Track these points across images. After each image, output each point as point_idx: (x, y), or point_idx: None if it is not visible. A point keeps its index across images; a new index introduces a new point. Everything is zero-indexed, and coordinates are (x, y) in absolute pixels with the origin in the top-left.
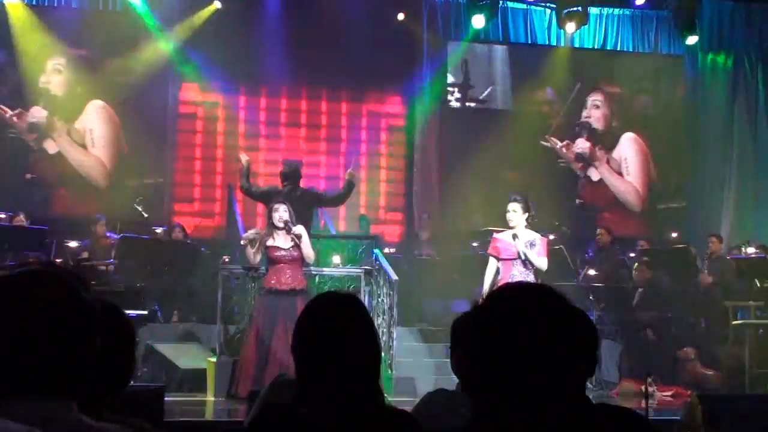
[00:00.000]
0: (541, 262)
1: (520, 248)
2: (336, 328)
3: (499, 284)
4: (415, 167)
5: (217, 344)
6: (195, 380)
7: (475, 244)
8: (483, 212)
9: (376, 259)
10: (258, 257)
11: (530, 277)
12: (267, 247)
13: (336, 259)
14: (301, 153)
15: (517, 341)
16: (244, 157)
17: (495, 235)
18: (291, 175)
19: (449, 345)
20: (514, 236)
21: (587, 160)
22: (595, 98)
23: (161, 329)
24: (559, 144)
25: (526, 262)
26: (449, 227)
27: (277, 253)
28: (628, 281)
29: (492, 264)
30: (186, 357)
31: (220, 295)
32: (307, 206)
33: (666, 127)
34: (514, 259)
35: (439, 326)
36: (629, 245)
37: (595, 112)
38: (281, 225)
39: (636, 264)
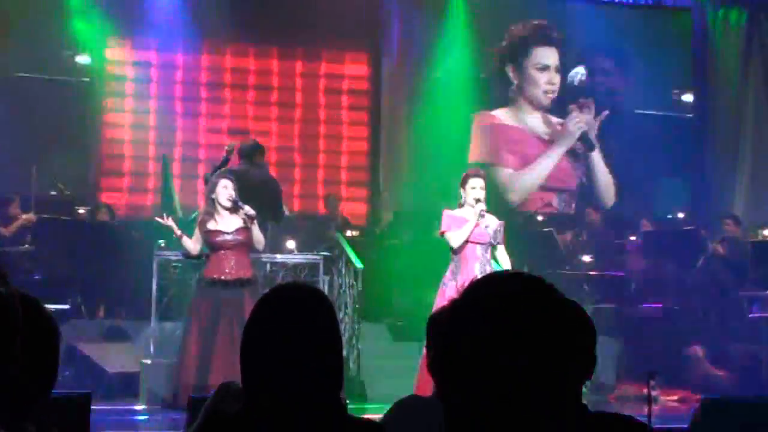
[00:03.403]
0: (507, 261)
1: (491, 234)
2: (294, 328)
3: (465, 271)
4: (382, 137)
5: (151, 344)
6: (125, 386)
7: None
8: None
9: (338, 243)
10: (198, 245)
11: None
12: (207, 231)
13: (290, 243)
14: (248, 120)
15: (502, 339)
16: (229, 146)
17: (449, 211)
18: (249, 152)
19: (424, 343)
20: (479, 215)
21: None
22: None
23: (85, 326)
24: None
25: (489, 251)
26: (422, 206)
27: (220, 238)
28: (627, 269)
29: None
30: (114, 359)
31: (154, 286)
32: (267, 195)
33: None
34: (483, 243)
35: (411, 321)
36: (628, 226)
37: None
38: (227, 203)
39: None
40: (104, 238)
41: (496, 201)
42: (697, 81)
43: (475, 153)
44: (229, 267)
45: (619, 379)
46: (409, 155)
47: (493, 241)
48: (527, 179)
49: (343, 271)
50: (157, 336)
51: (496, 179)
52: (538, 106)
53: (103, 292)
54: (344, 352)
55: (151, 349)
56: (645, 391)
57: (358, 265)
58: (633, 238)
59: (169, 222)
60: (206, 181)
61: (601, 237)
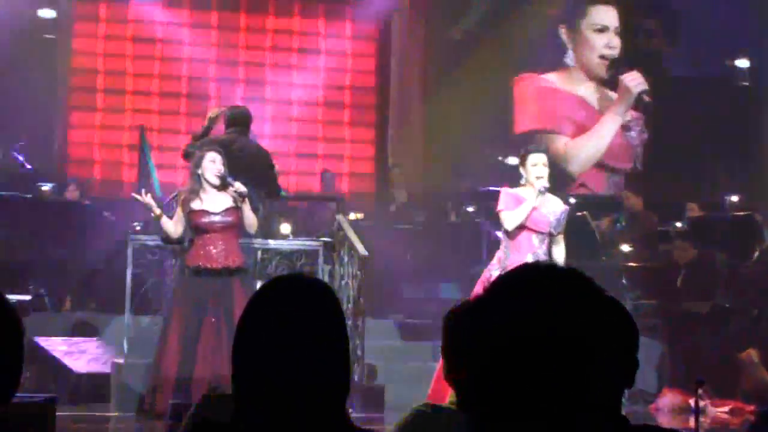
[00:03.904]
0: (562, 256)
1: (552, 223)
2: (296, 326)
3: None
4: (391, 105)
5: (125, 341)
6: (95, 389)
7: (470, 209)
8: (483, 166)
9: (339, 227)
10: (180, 228)
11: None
12: (191, 212)
13: (285, 227)
14: (237, 84)
15: (532, 341)
16: (213, 112)
17: (509, 190)
18: (239, 119)
19: (439, 344)
20: (539, 191)
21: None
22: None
23: (49, 320)
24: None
25: (547, 242)
26: (436, 186)
27: (205, 219)
28: (671, 260)
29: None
30: (83, 358)
31: (129, 274)
32: (259, 168)
33: None
34: (543, 233)
35: (424, 318)
36: (674, 212)
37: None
38: (215, 180)
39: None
40: (72, 219)
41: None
42: (754, 44)
43: (523, 122)
44: (216, 253)
45: (662, 387)
46: (426, 126)
47: (553, 231)
48: (590, 147)
49: (346, 259)
50: (131, 332)
51: (550, 149)
52: (592, 75)
53: (69, 281)
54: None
55: (125, 347)
56: (692, 401)
57: (363, 252)
58: (679, 224)
59: (148, 199)
60: (186, 155)
61: (642, 223)
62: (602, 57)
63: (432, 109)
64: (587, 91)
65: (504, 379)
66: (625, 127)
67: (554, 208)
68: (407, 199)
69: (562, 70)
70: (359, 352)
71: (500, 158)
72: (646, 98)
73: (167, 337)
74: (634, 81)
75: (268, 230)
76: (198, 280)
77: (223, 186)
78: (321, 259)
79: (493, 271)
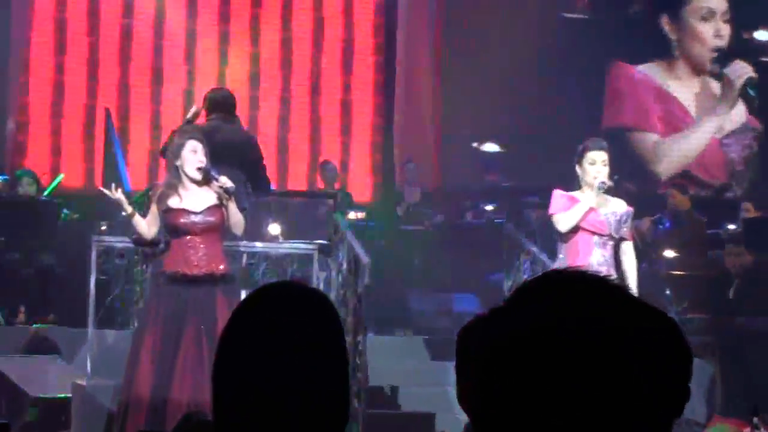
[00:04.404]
0: (631, 263)
1: (612, 225)
2: (287, 343)
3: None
4: (397, 83)
5: (87, 360)
6: (53, 415)
7: (489, 208)
8: (506, 159)
9: (337, 229)
10: (154, 228)
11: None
12: (168, 210)
13: (273, 228)
14: (209, 55)
15: (564, 364)
16: (191, 113)
17: (561, 192)
18: (222, 103)
19: (453, 365)
20: (599, 202)
21: None
22: None
23: (1, 334)
24: None
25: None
26: (451, 182)
27: (185, 220)
28: (723, 267)
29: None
30: (39, 379)
31: (92, 282)
32: (247, 159)
33: None
34: (603, 235)
35: (434, 334)
36: (726, 212)
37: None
38: (196, 174)
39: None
40: (26, 217)
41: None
42: None
43: (612, 115)
44: (197, 258)
45: (713, 415)
46: (444, 111)
47: (614, 234)
48: (682, 147)
49: (345, 265)
50: (95, 349)
51: (638, 147)
52: (699, 69)
53: (24, 291)
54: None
55: (88, 367)
56: (747, 430)
57: (365, 258)
58: (732, 227)
59: (118, 195)
60: (163, 153)
61: (690, 225)
62: (712, 49)
63: (451, 91)
64: (689, 87)
65: (529, 408)
66: (724, 136)
67: (615, 209)
68: (420, 198)
69: (663, 62)
70: (359, 373)
71: (475, 145)
72: (752, 92)
73: (139, 355)
74: (738, 71)
75: (255, 231)
76: (175, 289)
77: (205, 180)
78: (316, 265)
79: None
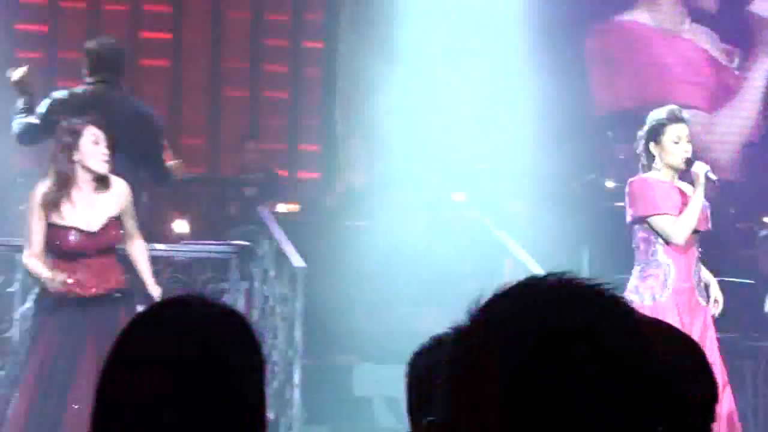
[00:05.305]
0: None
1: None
2: (185, 375)
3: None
4: (340, 53)
5: None
6: None
7: (457, 197)
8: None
9: (264, 225)
10: (38, 243)
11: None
12: (52, 226)
13: (180, 225)
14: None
15: (552, 399)
16: (17, 73)
17: (649, 178)
18: (109, 61)
19: (407, 400)
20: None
21: None
22: None
23: None
24: None
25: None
26: (413, 165)
27: (76, 240)
28: (759, 272)
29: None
30: None
31: None
32: (145, 138)
33: None
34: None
35: (389, 362)
36: (761, 204)
37: None
38: (102, 167)
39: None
40: None
41: None
42: None
43: (607, 96)
44: (90, 275)
45: None
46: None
47: (710, 227)
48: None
49: (272, 273)
50: None
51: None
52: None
53: None
54: (270, 415)
55: None
56: None
57: (298, 263)
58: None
59: None
60: (26, 135)
61: (717, 220)
62: None
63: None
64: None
65: None
66: None
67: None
68: (363, 183)
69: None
70: (292, 410)
71: None
72: None
73: (22, 391)
74: None
75: (156, 230)
76: (66, 313)
77: (103, 182)
78: (234, 273)
79: (647, 299)
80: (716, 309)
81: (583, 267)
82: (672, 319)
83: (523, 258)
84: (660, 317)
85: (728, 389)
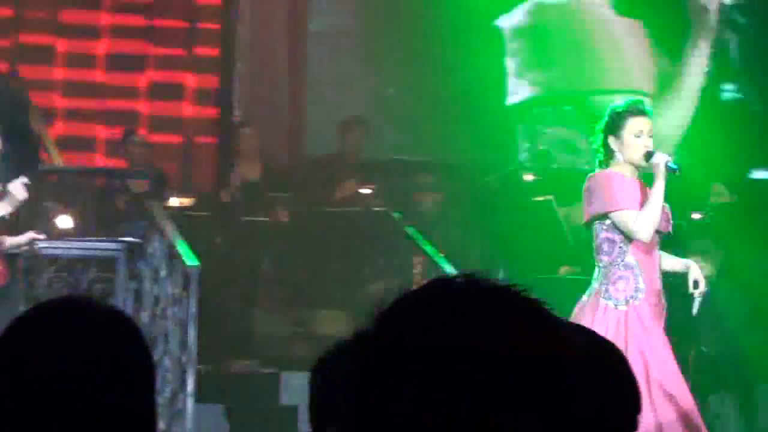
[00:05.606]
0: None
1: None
2: (64, 387)
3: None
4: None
5: None
6: None
7: (365, 191)
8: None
9: (153, 221)
10: None
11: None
12: None
13: (63, 220)
14: None
15: (461, 410)
16: None
17: (614, 172)
18: None
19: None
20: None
21: None
22: None
23: None
24: None
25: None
26: (314, 152)
27: None
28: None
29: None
30: None
31: None
32: (13, 125)
33: None
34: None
35: (292, 367)
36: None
37: None
38: None
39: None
40: None
41: None
42: None
43: (521, 82)
44: None
45: None
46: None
47: (670, 230)
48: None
49: (163, 272)
50: None
51: None
52: None
53: None
54: (161, 425)
55: None
56: None
57: (191, 262)
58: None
59: None
60: None
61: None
62: None
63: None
64: None
65: None
66: None
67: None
68: (260, 176)
69: None
70: (184, 420)
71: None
72: None
73: None
74: None
75: (36, 225)
76: None
77: None
78: (122, 272)
79: (621, 303)
80: (697, 292)
81: (499, 266)
82: (648, 323)
83: (434, 256)
84: (636, 322)
85: (685, 389)
